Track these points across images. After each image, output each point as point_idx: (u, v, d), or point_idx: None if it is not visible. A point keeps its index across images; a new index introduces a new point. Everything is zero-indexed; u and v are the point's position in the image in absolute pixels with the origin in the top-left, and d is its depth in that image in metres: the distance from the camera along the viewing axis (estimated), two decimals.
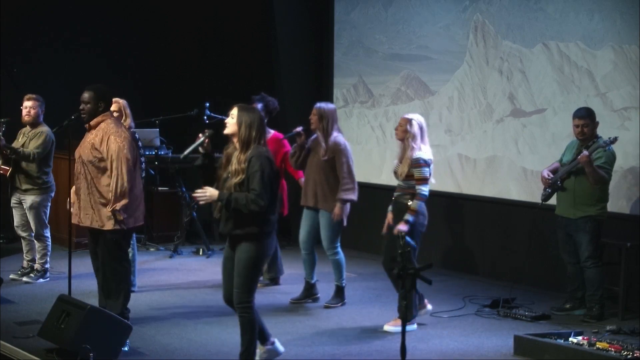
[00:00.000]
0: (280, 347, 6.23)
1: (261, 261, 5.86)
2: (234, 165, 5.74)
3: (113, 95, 7.10)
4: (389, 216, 7.42)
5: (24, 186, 8.62)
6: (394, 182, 7.61)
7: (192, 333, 7.12)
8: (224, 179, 5.84)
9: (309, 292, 8.20)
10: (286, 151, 8.38)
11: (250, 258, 5.77)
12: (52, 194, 8.76)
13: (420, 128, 7.27)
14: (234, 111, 5.82)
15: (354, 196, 7.84)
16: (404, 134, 7.28)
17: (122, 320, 6.41)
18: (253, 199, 5.64)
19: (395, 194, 7.40)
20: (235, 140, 5.81)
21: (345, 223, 7.96)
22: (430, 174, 7.25)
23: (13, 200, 8.77)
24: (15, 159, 8.58)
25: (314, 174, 7.92)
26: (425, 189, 7.18)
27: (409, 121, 7.27)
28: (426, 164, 7.20)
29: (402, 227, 7.08)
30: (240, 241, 5.80)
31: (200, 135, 6.02)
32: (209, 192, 5.75)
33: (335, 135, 7.89)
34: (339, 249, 8.02)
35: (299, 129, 8.05)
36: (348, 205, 7.90)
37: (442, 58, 9.98)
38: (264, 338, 6.13)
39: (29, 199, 8.62)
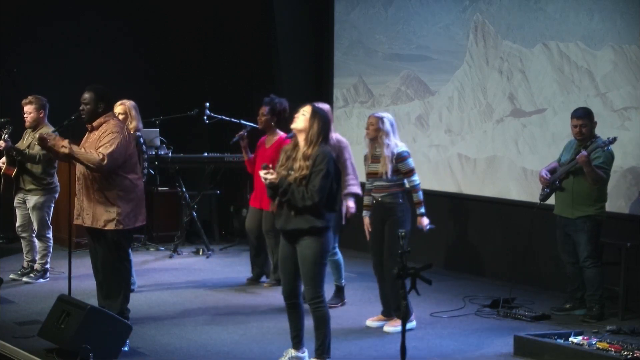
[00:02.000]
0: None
1: (326, 254, 6.03)
2: (298, 162, 5.89)
3: (113, 96, 7.08)
4: (367, 221, 7.39)
5: (28, 186, 8.62)
6: None
7: (192, 333, 7.12)
8: (283, 175, 5.96)
9: None
10: None
11: (316, 254, 5.93)
12: (56, 195, 8.75)
13: (391, 125, 7.24)
14: (307, 109, 5.99)
15: (359, 190, 7.86)
16: (376, 133, 7.24)
17: (122, 320, 6.41)
18: (310, 195, 5.79)
19: (377, 195, 7.25)
20: (302, 136, 5.94)
21: (344, 222, 7.95)
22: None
23: (17, 200, 8.76)
24: (20, 160, 8.58)
25: None
26: (417, 179, 7.22)
27: (380, 119, 7.24)
28: (409, 155, 7.23)
29: (426, 221, 7.22)
30: (302, 237, 5.94)
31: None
32: (274, 175, 5.88)
33: (336, 135, 7.90)
34: (337, 249, 8.02)
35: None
36: (344, 205, 7.90)
37: (442, 58, 9.98)
38: (301, 344, 6.27)
39: (32, 199, 8.62)
